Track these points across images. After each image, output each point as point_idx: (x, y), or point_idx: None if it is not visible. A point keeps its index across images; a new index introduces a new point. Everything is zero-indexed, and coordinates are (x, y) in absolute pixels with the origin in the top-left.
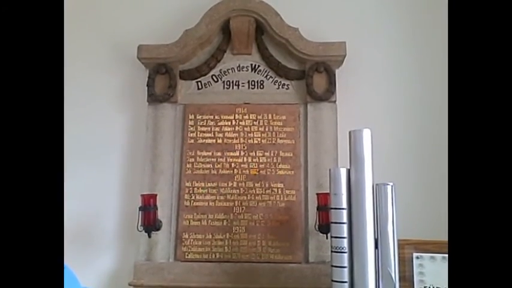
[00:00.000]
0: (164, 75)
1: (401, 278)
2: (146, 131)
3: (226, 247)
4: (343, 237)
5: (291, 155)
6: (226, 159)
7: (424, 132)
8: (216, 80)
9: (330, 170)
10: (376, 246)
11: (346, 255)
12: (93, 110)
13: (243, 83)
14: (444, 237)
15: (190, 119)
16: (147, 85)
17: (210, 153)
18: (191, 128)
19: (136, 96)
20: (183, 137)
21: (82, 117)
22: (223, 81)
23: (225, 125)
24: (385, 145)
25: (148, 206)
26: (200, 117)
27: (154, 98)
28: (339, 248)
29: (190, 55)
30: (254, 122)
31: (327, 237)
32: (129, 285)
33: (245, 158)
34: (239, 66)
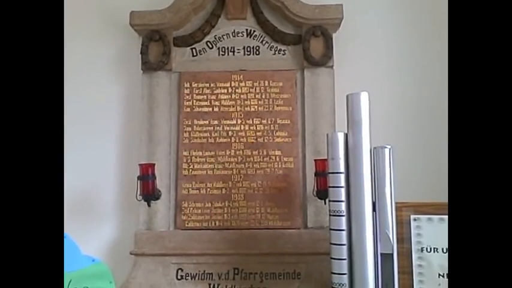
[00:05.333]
0: (158, 42)
1: (399, 240)
2: (141, 101)
3: (225, 215)
4: (341, 201)
5: (288, 122)
6: (223, 128)
7: (423, 95)
8: (210, 46)
9: (327, 135)
10: (374, 209)
11: (344, 219)
12: (87, 80)
13: (238, 49)
14: (442, 199)
15: (186, 87)
16: (141, 53)
17: (207, 122)
18: (187, 97)
19: (131, 65)
20: (179, 106)
21: (75, 89)
22: (218, 48)
23: (221, 93)
24: (383, 109)
25: (146, 175)
26: (196, 85)
27: (148, 66)
28: (337, 212)
29: (183, 21)
30: (250, 89)
31: (325, 203)
32: (131, 253)
33: (242, 126)
34: (234, 31)
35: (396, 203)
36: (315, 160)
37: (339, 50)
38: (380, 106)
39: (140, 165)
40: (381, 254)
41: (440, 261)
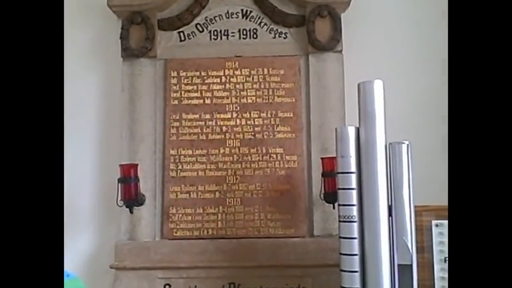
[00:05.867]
0: (140, 25)
1: (419, 249)
2: (122, 92)
3: (219, 222)
4: (352, 205)
5: (291, 115)
6: (216, 122)
7: (444, 83)
8: (201, 29)
9: (336, 129)
10: (389, 214)
11: (355, 225)
12: None
13: (233, 33)
14: None
15: (173, 77)
16: (121, 38)
17: (198, 116)
18: (174, 87)
19: (109, 52)
20: (165, 98)
21: None
22: (210, 31)
23: (213, 83)
24: (399, 99)
25: (128, 177)
26: (184, 74)
27: (129, 53)
28: (348, 217)
29: (169, 1)
30: (247, 78)
31: (333, 207)
32: (111, 267)
33: (238, 120)
34: (228, 12)
35: (415, 206)
36: (322, 158)
37: (348, 33)
38: (396, 96)
39: (121, 165)
40: (398, 265)
41: None
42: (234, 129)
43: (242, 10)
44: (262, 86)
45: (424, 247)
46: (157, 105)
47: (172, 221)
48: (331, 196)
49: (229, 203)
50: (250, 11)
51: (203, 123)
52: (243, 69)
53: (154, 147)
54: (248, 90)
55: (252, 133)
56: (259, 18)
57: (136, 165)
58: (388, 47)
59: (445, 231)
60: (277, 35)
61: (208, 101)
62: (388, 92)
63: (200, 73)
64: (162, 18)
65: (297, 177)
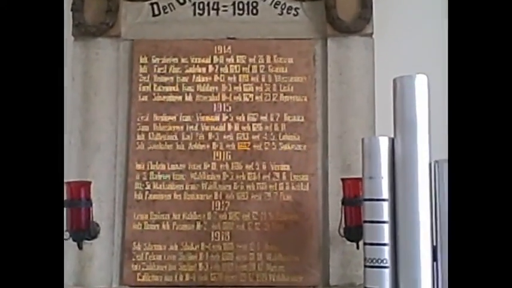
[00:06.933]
0: None
1: None
2: (72, 83)
3: (200, 264)
4: (384, 244)
5: (302, 119)
6: (199, 127)
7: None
8: (182, 1)
9: (362, 140)
10: (434, 258)
11: (387, 272)
12: None
13: (225, 7)
14: None
15: (142, 64)
16: (72, 10)
17: (174, 118)
18: (143, 78)
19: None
20: (131, 93)
21: None
22: (194, 3)
23: (197, 73)
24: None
25: (77, 199)
26: (157, 60)
27: (83, 30)
28: (377, 261)
29: None
30: (243, 69)
31: (357, 247)
32: None
33: (230, 125)
34: None
35: None
36: (343, 180)
37: (381, 10)
38: (444, 96)
39: (67, 183)
40: None
41: None
42: (224, 137)
43: None
44: (263, 80)
45: None
46: (119, 102)
47: (136, 262)
48: (354, 231)
49: (214, 238)
50: None
51: (182, 127)
52: (237, 56)
53: (114, 159)
54: (244, 85)
55: (248, 143)
56: None
57: (89, 183)
58: (434, 30)
59: None
60: (284, 11)
61: (189, 98)
62: (435, 91)
63: (179, 60)
64: None
65: (308, 204)
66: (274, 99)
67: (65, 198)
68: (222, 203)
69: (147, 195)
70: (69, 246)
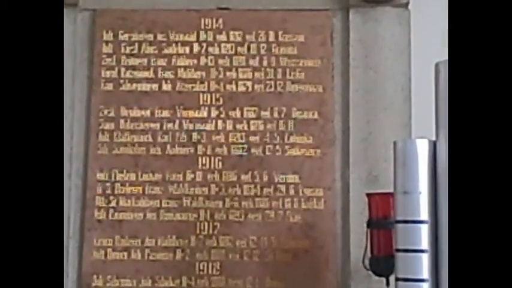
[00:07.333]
0: None
1: None
2: None
3: None
4: (422, 280)
5: (316, 116)
6: (181, 125)
7: None
8: None
9: (394, 143)
10: None
11: None
12: None
13: None
14: None
15: (106, 41)
16: None
17: (148, 113)
18: (108, 60)
19: None
20: (91, 79)
21: None
22: None
23: (178, 54)
24: None
25: None
26: (126, 36)
27: None
28: None
29: None
30: (239, 48)
31: (387, 283)
32: None
33: (220, 123)
34: None
35: None
36: (369, 195)
37: None
38: None
39: None
40: None
41: None
42: (213, 138)
43: None
44: (265, 64)
45: None
46: (75, 92)
47: None
48: (383, 263)
49: (200, 270)
50: None
51: (157, 125)
52: (231, 33)
53: (69, 166)
54: (239, 70)
55: (245, 146)
56: None
57: None
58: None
59: None
60: None
61: (167, 87)
62: None
63: (155, 36)
64: None
65: (323, 227)
66: (279, 89)
67: None
68: (210, 224)
69: (112, 214)
70: None
